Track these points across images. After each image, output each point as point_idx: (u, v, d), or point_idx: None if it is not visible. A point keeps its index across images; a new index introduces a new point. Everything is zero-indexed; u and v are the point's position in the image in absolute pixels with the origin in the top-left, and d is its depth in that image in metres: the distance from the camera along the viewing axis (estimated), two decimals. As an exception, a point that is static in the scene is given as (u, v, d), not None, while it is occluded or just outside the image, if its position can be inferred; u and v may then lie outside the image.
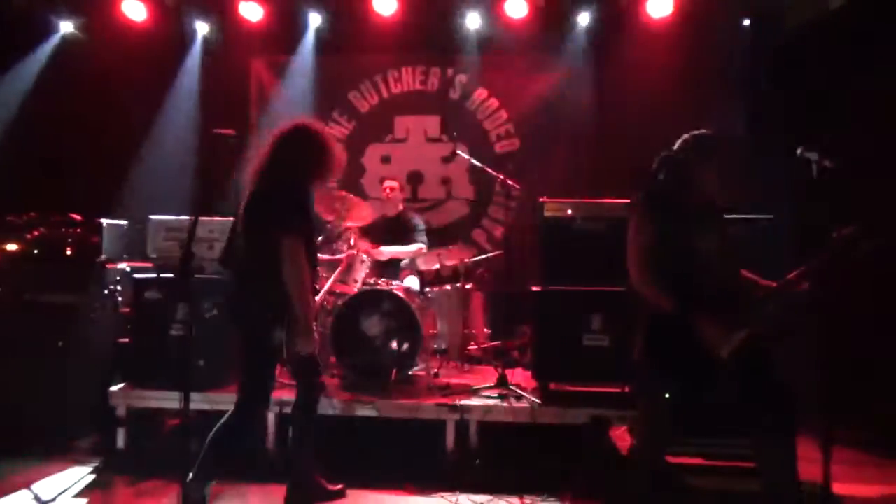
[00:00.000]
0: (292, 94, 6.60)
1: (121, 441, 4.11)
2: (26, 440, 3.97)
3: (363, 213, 4.86)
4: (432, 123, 6.72)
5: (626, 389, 3.90)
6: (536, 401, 4.02)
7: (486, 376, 4.71)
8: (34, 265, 4.33)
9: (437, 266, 4.99)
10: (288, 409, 3.53)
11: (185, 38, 6.57)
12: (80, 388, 4.21)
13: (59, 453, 4.02)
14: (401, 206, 5.56)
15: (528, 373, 4.46)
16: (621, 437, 3.59)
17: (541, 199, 4.11)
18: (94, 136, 6.17)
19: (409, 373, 4.46)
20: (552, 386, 4.11)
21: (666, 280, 2.65)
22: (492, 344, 5.38)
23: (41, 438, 4.02)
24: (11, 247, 4.33)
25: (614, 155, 5.84)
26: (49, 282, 4.21)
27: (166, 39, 6.41)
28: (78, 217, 4.51)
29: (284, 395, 3.87)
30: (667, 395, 2.70)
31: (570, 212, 4.04)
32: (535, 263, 4.14)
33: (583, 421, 3.76)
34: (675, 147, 2.88)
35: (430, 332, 4.70)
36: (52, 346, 4.19)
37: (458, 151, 5.33)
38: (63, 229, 4.41)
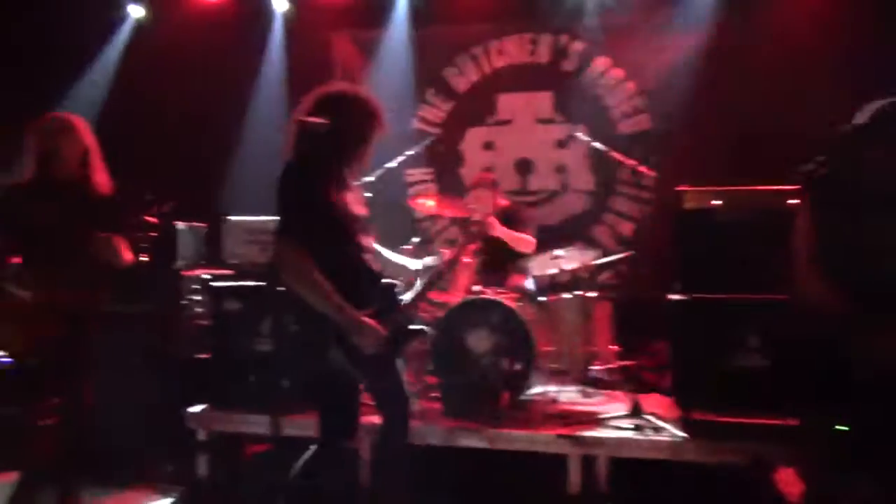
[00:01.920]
0: (382, 74, 6.81)
1: (202, 468, 4.40)
2: (102, 465, 4.30)
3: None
4: (543, 101, 6.75)
5: (793, 422, 3.79)
6: (679, 433, 3.99)
7: (614, 403, 4.70)
8: (107, 272, 4.71)
9: (554, 271, 4.99)
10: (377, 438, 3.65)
11: (263, 17, 6.95)
12: (157, 408, 4.54)
13: (137, 480, 4.35)
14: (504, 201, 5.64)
15: (667, 399, 4.43)
16: (789, 482, 3.51)
17: (679, 188, 4.08)
18: (168, 131, 6.65)
19: (523, 397, 4.51)
20: (697, 416, 4.02)
21: (846, 283, 2.60)
22: (621, 364, 5.28)
23: (118, 463, 4.34)
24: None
25: (765, 132, 5.66)
26: (123, 291, 4.56)
27: (242, 19, 6.83)
28: (154, 220, 4.88)
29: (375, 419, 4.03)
30: (844, 429, 2.65)
31: (716, 202, 3.98)
32: (672, 266, 4.11)
33: (738, 460, 3.69)
34: (858, 120, 2.79)
35: (547, 348, 4.72)
36: (126, 362, 4.54)
37: (576, 133, 5.32)
38: (138, 233, 4.78)
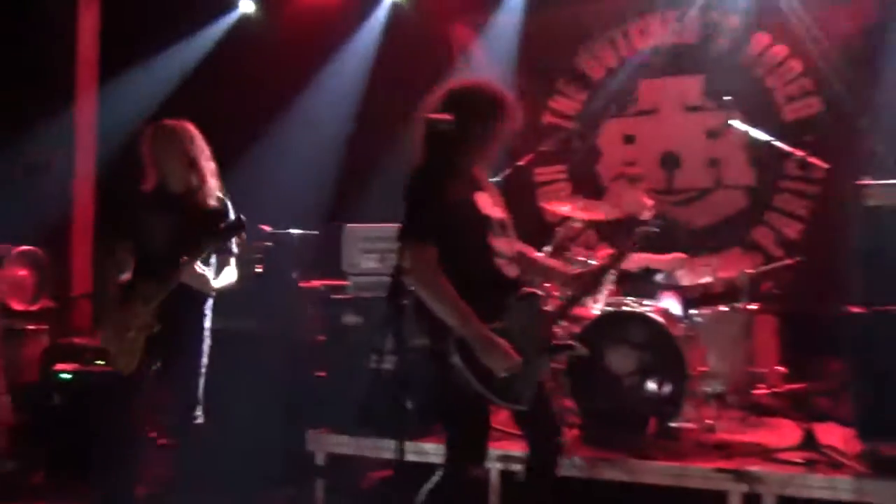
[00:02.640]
0: (507, 63, 6.77)
1: (319, 493, 4.48)
2: (217, 489, 4.45)
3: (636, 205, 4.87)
4: (692, 86, 6.58)
5: None
6: (862, 470, 3.77)
7: (782, 432, 4.54)
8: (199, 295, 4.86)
9: (707, 279, 4.88)
10: (514, 466, 3.58)
11: (373, 13, 7.08)
12: (272, 430, 4.64)
13: (252, 504, 4.49)
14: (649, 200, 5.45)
15: (846, 429, 4.20)
16: None
17: (858, 182, 3.90)
18: (276, 131, 6.86)
19: (673, 424, 4.38)
20: (885, 450, 3.82)
21: None
22: (789, 387, 5.12)
23: (232, 487, 4.44)
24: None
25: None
26: (236, 304, 4.69)
27: (352, 15, 6.99)
28: (267, 228, 5.01)
29: (510, 447, 3.94)
30: None
31: (906, 199, 3.81)
32: (850, 273, 3.94)
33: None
34: None
35: (700, 369, 4.59)
36: (239, 380, 4.66)
37: (732, 122, 5.10)
38: (251, 242, 4.91)
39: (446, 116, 2.91)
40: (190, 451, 3.88)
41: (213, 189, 3.86)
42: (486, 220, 3.01)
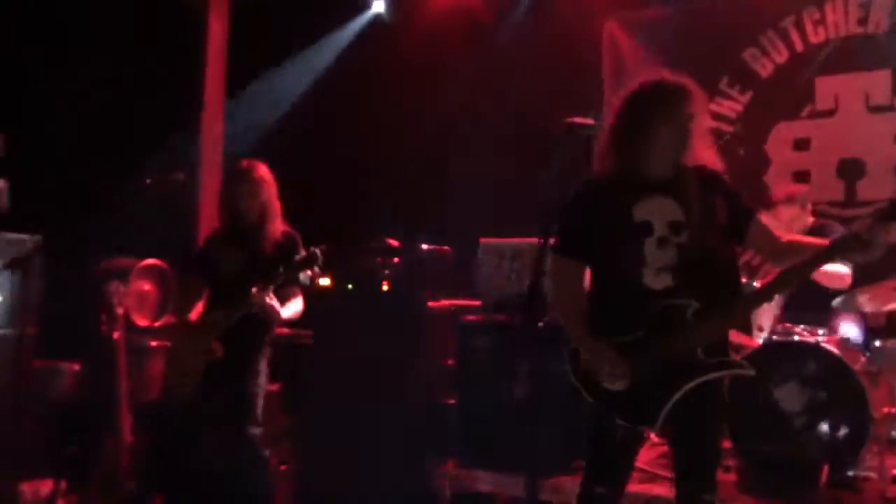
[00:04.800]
0: (662, 61, 6.65)
1: (448, 532, 4.52)
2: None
3: None
4: (878, 83, 6.34)
5: None
6: None
7: None
8: (347, 305, 4.99)
9: (894, 306, 4.65)
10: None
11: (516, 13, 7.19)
12: (397, 463, 4.70)
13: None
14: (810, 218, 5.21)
15: None
16: None
17: None
18: (402, 134, 7.01)
19: (851, 473, 4.24)
20: None
21: None
22: None
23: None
24: (323, 281, 5.05)
25: None
26: (363, 327, 4.80)
27: (493, 18, 7.12)
28: (395, 242, 5.09)
29: (658, 490, 3.90)
30: None
31: None
32: None
33: None
34: None
35: (885, 410, 4.40)
36: (365, 409, 4.76)
37: None
38: (378, 258, 5.01)
39: (588, 121, 2.95)
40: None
41: (280, 226, 4.29)
42: (639, 227, 2.96)
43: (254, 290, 3.98)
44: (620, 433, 2.99)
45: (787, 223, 4.94)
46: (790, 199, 5.16)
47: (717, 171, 3.08)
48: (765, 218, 3.21)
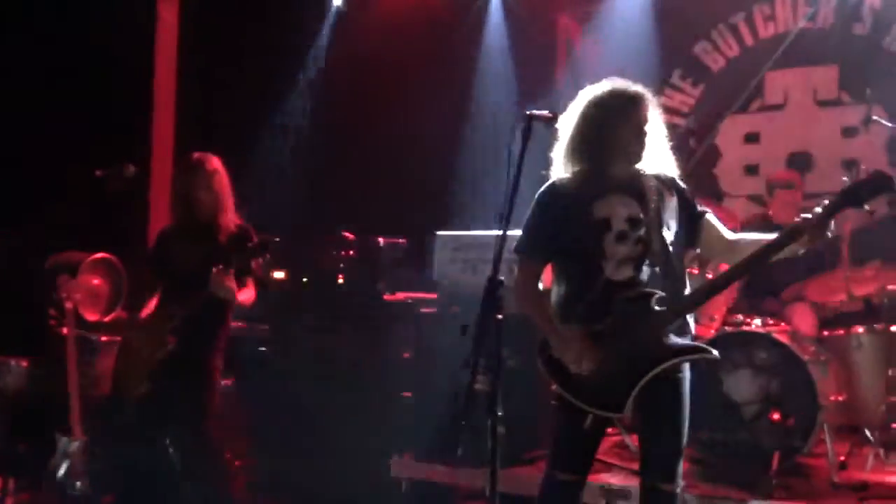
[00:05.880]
0: (614, 57, 6.75)
1: (408, 524, 4.54)
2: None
3: None
4: (826, 78, 6.50)
5: None
6: None
7: None
8: (301, 298, 4.98)
9: (842, 298, 4.77)
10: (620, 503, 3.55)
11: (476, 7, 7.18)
12: (353, 454, 4.71)
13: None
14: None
15: None
16: None
17: None
18: (372, 133, 6.98)
19: (800, 460, 4.32)
20: None
21: None
22: None
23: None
24: (278, 274, 5.04)
25: None
26: (319, 321, 4.80)
27: (453, 7, 7.09)
28: (351, 235, 5.09)
29: (612, 479, 3.95)
30: None
31: None
32: None
33: None
34: None
35: (833, 398, 4.51)
36: (321, 402, 4.76)
37: (874, 117, 4.96)
38: (334, 252, 5.01)
39: (545, 113, 3.08)
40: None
41: (234, 218, 4.28)
42: (598, 223, 3.09)
43: (214, 269, 3.94)
44: (587, 422, 3.07)
45: (790, 209, 5.06)
46: (786, 182, 5.30)
47: (671, 174, 3.22)
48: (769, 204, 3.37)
